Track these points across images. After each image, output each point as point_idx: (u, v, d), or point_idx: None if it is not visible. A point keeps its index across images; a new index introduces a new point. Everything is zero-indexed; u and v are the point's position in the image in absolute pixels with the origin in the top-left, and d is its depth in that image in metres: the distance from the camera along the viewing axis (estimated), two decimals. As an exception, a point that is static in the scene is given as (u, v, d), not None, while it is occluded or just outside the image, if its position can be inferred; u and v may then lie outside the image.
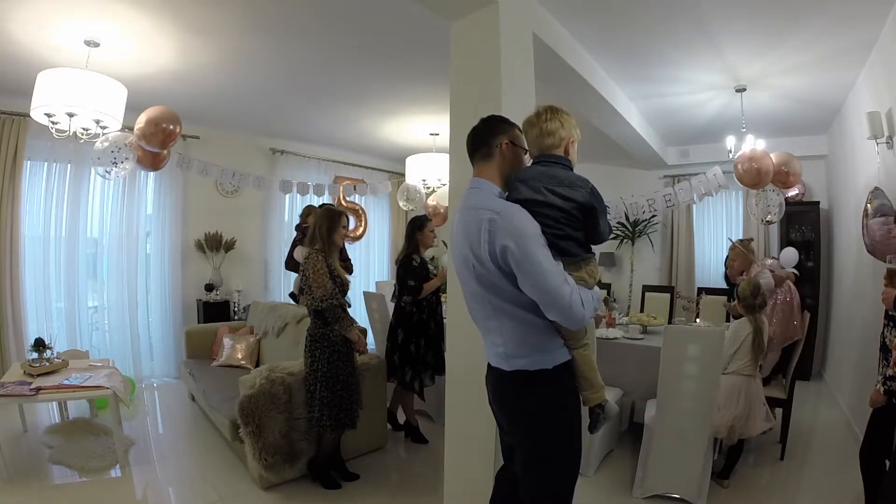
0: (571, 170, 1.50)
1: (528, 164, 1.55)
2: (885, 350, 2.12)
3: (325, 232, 2.65)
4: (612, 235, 6.38)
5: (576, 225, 1.42)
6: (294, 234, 4.62)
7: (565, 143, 1.51)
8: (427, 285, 3.33)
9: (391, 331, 3.42)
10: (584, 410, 1.53)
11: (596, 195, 1.45)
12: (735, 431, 2.70)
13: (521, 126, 1.58)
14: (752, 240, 4.11)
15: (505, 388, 1.48)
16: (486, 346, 1.53)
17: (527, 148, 1.56)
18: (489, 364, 1.54)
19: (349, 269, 4.54)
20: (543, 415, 1.42)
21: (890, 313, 2.06)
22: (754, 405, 2.73)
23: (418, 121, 5.05)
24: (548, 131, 1.49)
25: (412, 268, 3.33)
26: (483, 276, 1.40)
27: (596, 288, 1.49)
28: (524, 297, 1.36)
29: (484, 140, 1.52)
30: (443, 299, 3.58)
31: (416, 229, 3.40)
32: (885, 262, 2.57)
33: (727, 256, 4.29)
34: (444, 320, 3.44)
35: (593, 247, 1.53)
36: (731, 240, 4.12)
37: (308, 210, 4.50)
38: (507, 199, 1.44)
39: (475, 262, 1.40)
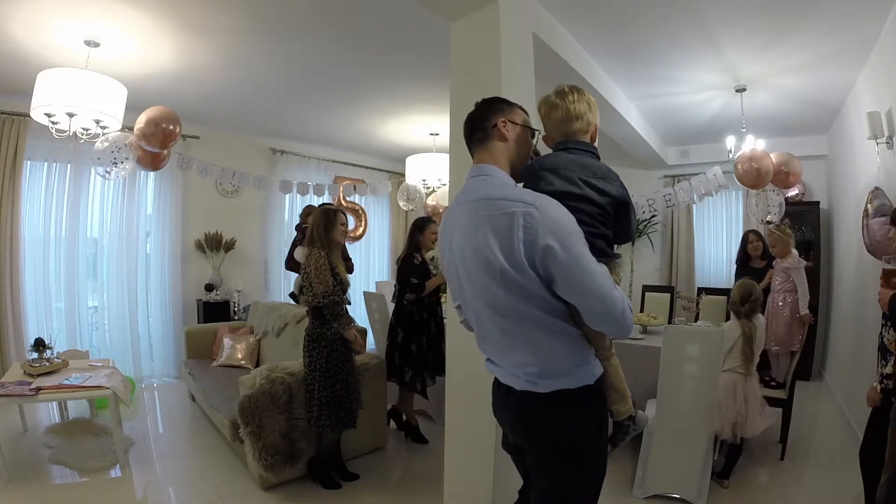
0: (599, 159, 1.33)
1: (547, 150, 1.38)
2: (883, 350, 2.12)
3: (321, 231, 2.65)
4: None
5: (608, 222, 1.28)
6: (294, 234, 4.62)
7: (593, 130, 1.35)
8: (429, 283, 3.35)
9: (391, 330, 3.43)
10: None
11: (626, 189, 1.31)
12: (737, 430, 2.70)
13: (526, 106, 1.41)
14: (787, 223, 4.01)
15: (538, 413, 1.23)
16: (503, 368, 1.29)
17: (534, 128, 1.36)
18: (502, 386, 1.32)
19: (349, 269, 4.55)
20: (581, 436, 1.23)
21: (886, 314, 2.06)
22: (752, 403, 2.73)
23: (418, 121, 5.05)
24: (576, 114, 1.31)
25: (414, 266, 3.35)
26: (515, 282, 1.14)
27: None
28: (557, 304, 1.17)
29: (480, 122, 1.32)
30: (443, 299, 3.59)
31: (417, 230, 3.43)
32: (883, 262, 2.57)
33: (746, 238, 4.25)
34: (445, 320, 3.47)
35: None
36: (768, 224, 3.94)
37: (308, 210, 4.50)
38: (533, 189, 1.23)
39: (505, 266, 1.13)
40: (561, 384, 1.20)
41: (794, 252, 3.76)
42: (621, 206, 1.29)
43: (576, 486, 1.26)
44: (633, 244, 6.42)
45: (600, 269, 1.13)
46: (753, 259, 4.10)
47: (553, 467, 1.25)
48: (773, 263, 3.88)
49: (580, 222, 1.16)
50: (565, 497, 1.26)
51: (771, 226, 3.85)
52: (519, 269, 1.13)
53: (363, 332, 3.48)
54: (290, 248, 4.50)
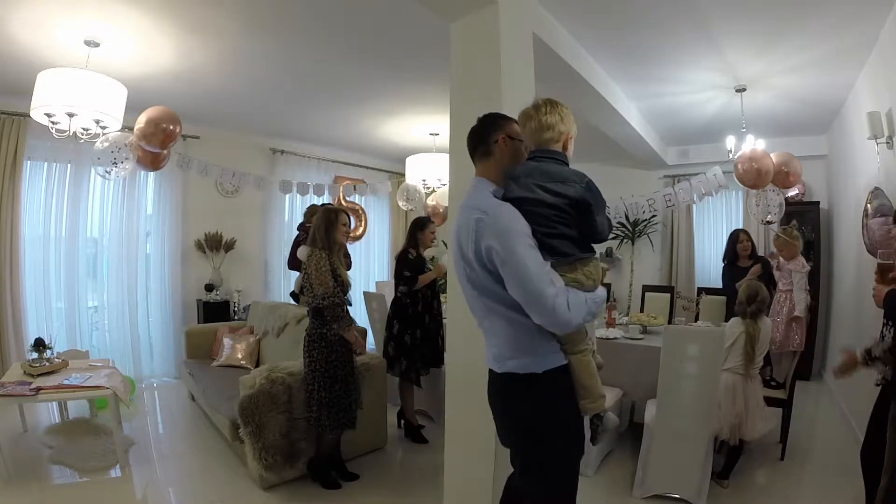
0: (566, 165, 1.43)
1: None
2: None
3: (323, 232, 2.65)
4: (612, 235, 6.39)
5: (569, 222, 1.35)
6: (296, 233, 4.62)
7: (564, 138, 1.44)
8: (422, 277, 3.41)
9: (388, 322, 3.49)
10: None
11: (592, 190, 1.37)
12: (737, 431, 2.70)
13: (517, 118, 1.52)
14: (794, 225, 3.99)
15: (497, 390, 1.45)
16: (486, 348, 1.50)
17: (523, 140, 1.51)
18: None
19: (348, 265, 4.56)
20: (534, 420, 1.38)
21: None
22: (752, 405, 2.73)
23: (418, 121, 5.05)
24: (547, 125, 1.42)
25: (408, 260, 3.41)
26: (473, 277, 1.39)
27: (600, 289, 1.42)
28: (510, 298, 1.32)
29: (482, 139, 1.50)
30: (443, 299, 3.61)
31: (418, 229, 3.49)
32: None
33: (735, 237, 4.21)
34: (444, 319, 3.47)
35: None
36: (768, 223, 3.98)
37: (312, 209, 4.50)
38: (502, 197, 1.39)
39: (465, 264, 1.40)
40: (510, 367, 1.38)
41: (802, 257, 3.74)
42: (583, 207, 1.35)
43: (542, 462, 1.39)
44: (632, 244, 6.43)
45: (536, 268, 1.26)
46: (741, 258, 4.10)
47: (518, 443, 1.43)
48: (777, 264, 3.87)
49: (536, 224, 1.32)
50: (535, 471, 1.40)
51: (778, 230, 3.84)
52: (472, 267, 1.36)
53: (363, 332, 3.48)
54: (293, 247, 4.50)
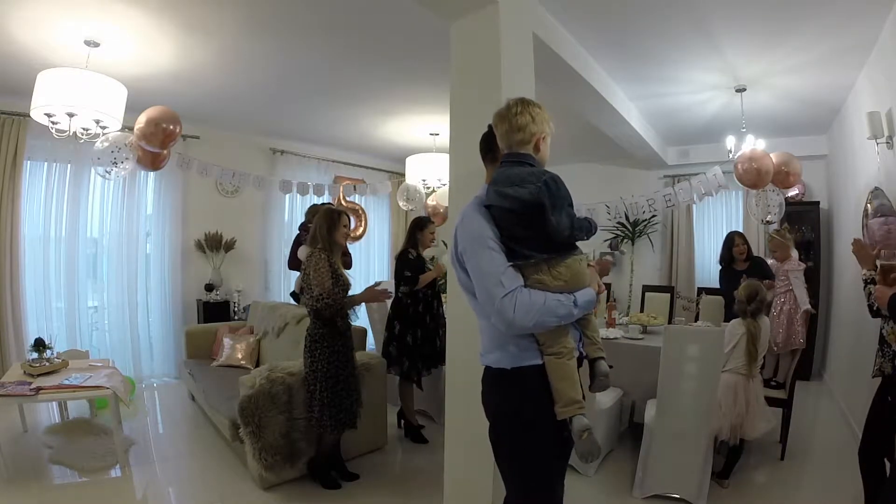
0: (532, 166, 1.39)
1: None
2: (882, 343, 2.12)
3: (325, 232, 2.66)
4: (613, 234, 6.39)
5: (527, 223, 1.34)
6: (296, 232, 4.62)
7: (535, 140, 1.41)
8: (423, 277, 3.41)
9: (389, 322, 3.49)
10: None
11: (548, 189, 1.31)
12: (737, 431, 2.70)
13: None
14: (787, 227, 4.00)
15: (482, 381, 1.51)
16: None
17: None
18: None
19: (348, 264, 4.56)
20: (501, 415, 1.43)
21: (883, 313, 2.06)
22: (753, 405, 2.73)
23: (418, 121, 5.05)
24: (517, 126, 1.39)
25: (408, 260, 3.41)
26: (458, 276, 1.47)
27: (586, 290, 1.38)
28: None
29: (490, 146, 1.55)
30: (443, 299, 3.60)
31: (418, 229, 3.49)
32: (880, 257, 2.56)
33: (731, 241, 4.16)
34: (443, 317, 3.47)
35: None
36: (768, 223, 3.97)
37: (314, 209, 4.49)
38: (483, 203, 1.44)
39: (454, 265, 1.49)
40: (486, 360, 1.47)
41: (794, 255, 3.75)
42: (535, 208, 1.32)
43: (509, 460, 1.44)
44: (632, 244, 6.42)
45: (489, 269, 1.33)
46: (737, 261, 4.09)
47: (490, 435, 1.47)
48: (772, 265, 3.87)
49: (500, 228, 1.37)
50: (505, 467, 1.45)
51: (770, 230, 3.85)
52: (457, 267, 1.46)
53: (363, 332, 3.49)
54: (293, 247, 4.50)
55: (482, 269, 1.34)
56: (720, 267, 4.29)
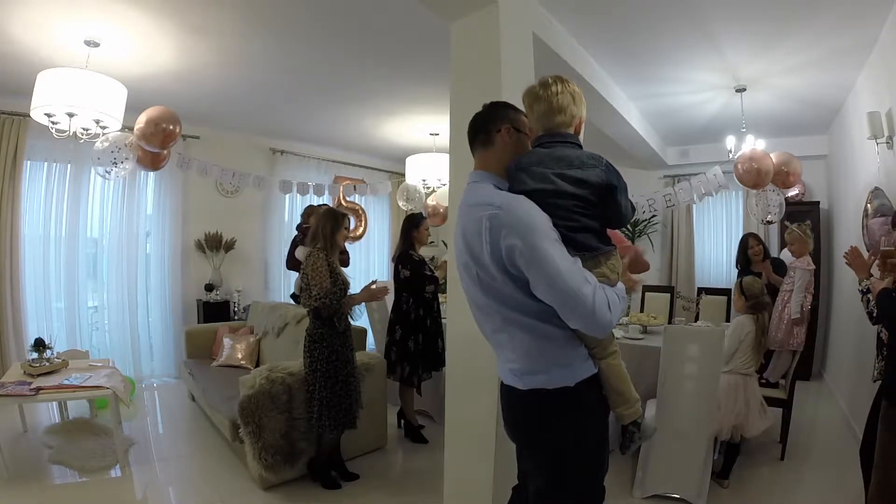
0: (581, 148, 1.28)
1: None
2: (881, 345, 2.12)
3: (328, 232, 2.67)
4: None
5: (593, 213, 1.22)
6: (294, 233, 4.62)
7: (576, 123, 1.30)
8: (439, 273, 3.42)
9: (390, 325, 3.46)
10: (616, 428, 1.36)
11: (612, 171, 1.23)
12: (738, 431, 2.70)
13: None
14: (809, 224, 3.96)
15: (520, 409, 1.28)
16: (499, 362, 1.34)
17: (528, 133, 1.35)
18: (501, 381, 1.35)
19: (345, 262, 4.56)
20: (565, 441, 1.23)
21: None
22: (752, 403, 2.73)
23: (418, 121, 5.05)
24: (559, 107, 1.26)
25: (414, 261, 3.37)
26: (488, 284, 1.21)
27: (620, 284, 1.28)
28: (538, 305, 1.17)
29: (483, 125, 1.34)
30: (442, 299, 3.60)
31: (413, 227, 3.46)
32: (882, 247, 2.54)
33: (745, 243, 4.16)
34: (443, 319, 3.47)
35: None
36: (768, 223, 3.94)
37: (310, 210, 4.50)
38: (511, 191, 1.24)
39: (478, 269, 1.21)
40: (536, 383, 1.22)
41: (809, 257, 3.72)
42: (606, 191, 1.21)
43: (564, 489, 1.24)
44: (632, 244, 6.41)
45: (568, 265, 1.12)
46: (754, 263, 4.07)
47: (543, 465, 1.27)
48: (787, 260, 3.84)
49: (556, 217, 1.17)
50: (559, 493, 1.25)
51: (793, 224, 3.80)
52: (488, 272, 1.18)
53: (363, 331, 3.48)
54: (291, 248, 4.50)
55: (558, 266, 1.10)
56: (738, 270, 4.26)
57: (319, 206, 4.44)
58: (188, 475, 2.95)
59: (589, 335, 1.21)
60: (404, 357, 3.34)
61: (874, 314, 2.04)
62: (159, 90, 3.96)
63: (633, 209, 1.32)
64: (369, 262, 6.97)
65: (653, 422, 1.33)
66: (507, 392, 1.31)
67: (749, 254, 4.07)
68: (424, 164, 5.16)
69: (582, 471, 1.25)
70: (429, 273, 3.36)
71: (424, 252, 3.60)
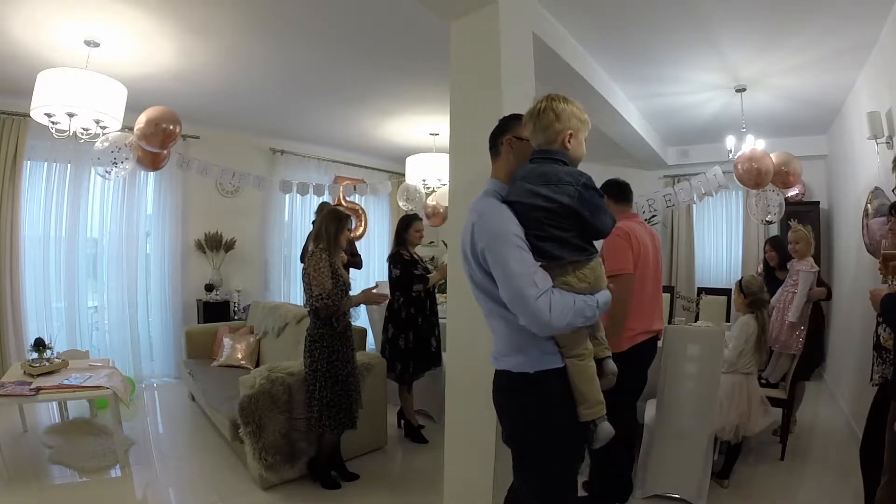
0: (566, 164, 1.39)
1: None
2: (878, 348, 2.11)
3: (332, 232, 2.68)
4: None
5: (562, 225, 1.34)
6: (310, 228, 4.59)
7: (562, 138, 1.40)
8: (432, 277, 3.42)
9: (384, 325, 3.49)
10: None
11: (587, 193, 1.33)
12: (740, 430, 2.70)
13: (524, 108, 1.51)
14: (809, 227, 3.97)
15: (495, 387, 1.48)
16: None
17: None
18: None
19: (358, 265, 4.56)
20: (525, 420, 1.39)
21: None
22: (754, 403, 2.73)
23: (418, 121, 5.05)
24: (542, 126, 1.40)
25: (405, 260, 3.40)
26: (474, 276, 1.42)
27: (603, 292, 1.40)
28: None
29: (493, 138, 1.54)
30: (441, 299, 3.60)
31: (404, 228, 3.50)
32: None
33: (766, 244, 4.10)
34: (440, 319, 3.46)
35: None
36: (768, 223, 3.93)
37: (324, 206, 4.49)
38: (506, 198, 1.40)
39: (467, 264, 1.43)
40: (504, 365, 1.42)
41: (812, 258, 3.70)
42: (575, 212, 1.33)
43: (532, 463, 1.41)
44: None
45: (520, 269, 1.28)
46: (774, 269, 4.04)
47: (509, 442, 1.45)
48: (788, 265, 3.83)
49: (529, 227, 1.33)
50: (526, 471, 1.43)
51: (797, 223, 3.78)
52: (472, 266, 1.41)
53: (363, 331, 3.48)
54: (306, 243, 4.49)
55: (511, 268, 1.28)
56: (764, 278, 4.23)
57: (335, 205, 4.42)
58: (188, 475, 2.95)
59: (551, 334, 1.35)
60: (395, 355, 3.37)
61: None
62: (159, 90, 3.96)
63: (614, 222, 1.43)
64: (369, 262, 6.95)
65: (609, 428, 1.40)
66: (494, 373, 1.50)
67: (766, 258, 4.02)
68: (424, 164, 5.16)
69: (542, 454, 1.39)
70: (417, 273, 3.37)
71: (424, 252, 3.61)
